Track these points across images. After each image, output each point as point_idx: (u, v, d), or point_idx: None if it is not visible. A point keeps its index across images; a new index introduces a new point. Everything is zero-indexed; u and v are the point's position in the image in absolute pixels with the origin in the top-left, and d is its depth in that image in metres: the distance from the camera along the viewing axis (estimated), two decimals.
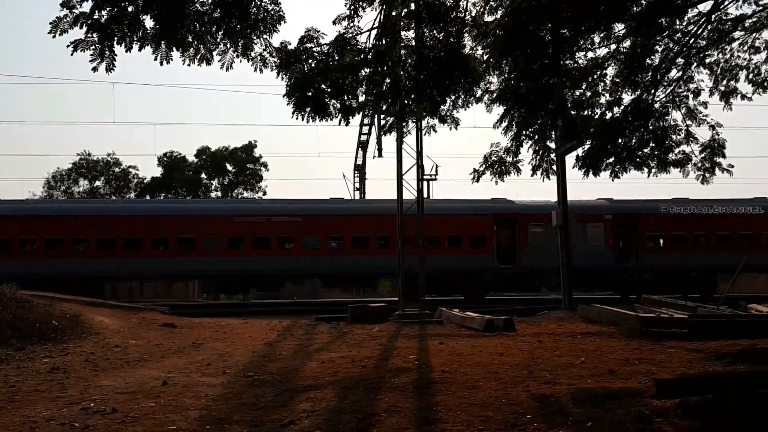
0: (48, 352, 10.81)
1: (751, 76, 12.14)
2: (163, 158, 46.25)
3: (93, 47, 6.85)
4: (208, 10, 7.23)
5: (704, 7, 10.64)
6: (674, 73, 11.77)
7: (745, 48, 11.81)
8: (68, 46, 6.85)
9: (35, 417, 6.40)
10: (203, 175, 47.96)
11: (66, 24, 6.71)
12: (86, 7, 6.77)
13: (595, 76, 11.39)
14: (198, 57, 7.51)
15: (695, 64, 11.79)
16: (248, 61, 7.71)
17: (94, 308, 15.69)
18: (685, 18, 10.81)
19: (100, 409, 6.63)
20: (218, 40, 7.47)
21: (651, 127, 11.68)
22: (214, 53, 7.55)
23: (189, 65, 7.53)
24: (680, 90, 11.92)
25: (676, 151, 11.99)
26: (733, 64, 12.05)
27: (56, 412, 6.61)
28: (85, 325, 13.28)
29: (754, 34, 11.60)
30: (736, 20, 11.33)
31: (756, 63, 12.03)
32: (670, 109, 12.00)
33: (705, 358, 9.08)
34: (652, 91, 11.58)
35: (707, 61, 11.90)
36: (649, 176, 12.12)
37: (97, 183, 47.31)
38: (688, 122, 11.98)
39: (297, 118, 8.24)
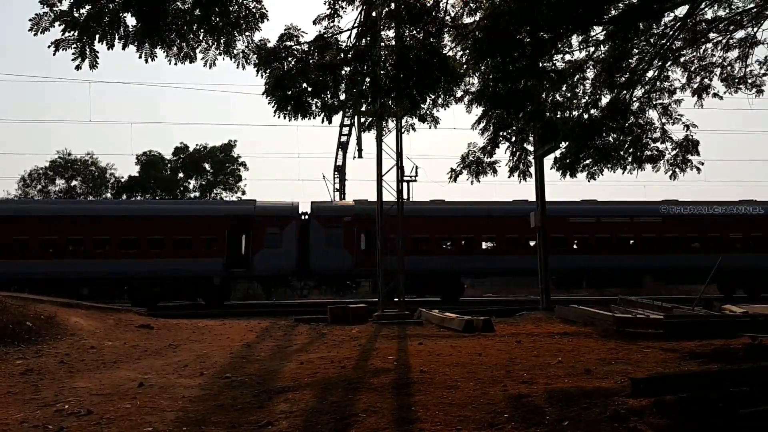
0: (21, 354, 10.65)
1: (725, 74, 12.36)
2: (141, 157, 45.80)
3: (74, 46, 6.76)
4: (189, 8, 7.18)
5: (680, 11, 10.81)
6: (651, 74, 11.95)
7: (720, 47, 12.03)
8: (49, 46, 6.77)
9: (8, 419, 6.30)
10: (181, 175, 47.51)
11: (46, 22, 6.62)
12: (66, 4, 6.69)
13: (575, 79, 11.50)
14: (182, 55, 7.48)
15: (670, 62, 11.96)
16: (231, 58, 7.71)
17: (70, 309, 15.47)
18: (662, 22, 10.95)
19: (74, 411, 6.55)
20: (201, 37, 7.44)
21: (627, 125, 11.83)
22: (197, 51, 7.53)
23: (176, 64, 7.51)
24: (657, 87, 12.10)
25: (651, 146, 12.16)
26: (707, 62, 12.26)
27: (30, 414, 6.52)
28: (60, 326, 13.11)
29: (728, 35, 11.82)
30: (710, 22, 11.52)
31: (730, 60, 12.28)
32: (646, 109, 12.17)
33: (680, 358, 9.20)
34: (631, 90, 11.71)
35: (682, 59, 12.08)
36: (624, 173, 12.34)
37: (74, 182, 46.68)
38: (664, 120, 12.18)
39: (279, 117, 8.29)
